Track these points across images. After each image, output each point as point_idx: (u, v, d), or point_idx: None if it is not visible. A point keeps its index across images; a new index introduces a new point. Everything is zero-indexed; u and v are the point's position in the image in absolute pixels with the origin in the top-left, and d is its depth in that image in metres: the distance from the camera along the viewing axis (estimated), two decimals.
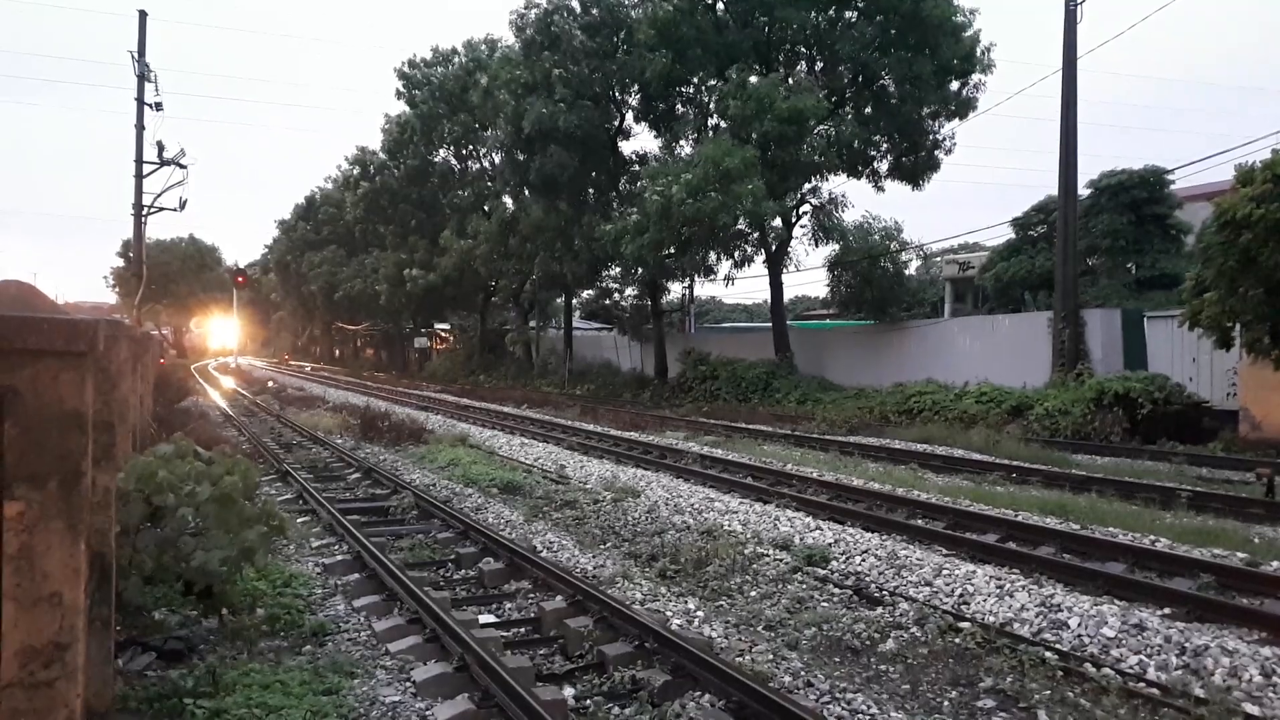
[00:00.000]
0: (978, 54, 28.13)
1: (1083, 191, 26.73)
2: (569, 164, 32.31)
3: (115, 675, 5.04)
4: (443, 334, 65.87)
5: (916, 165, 30.13)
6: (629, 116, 34.74)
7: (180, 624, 6.39)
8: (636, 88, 32.34)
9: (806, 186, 30.40)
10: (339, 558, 9.03)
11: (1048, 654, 6.21)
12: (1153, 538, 9.36)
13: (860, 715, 5.40)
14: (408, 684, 5.70)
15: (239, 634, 6.44)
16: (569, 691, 5.70)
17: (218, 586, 6.11)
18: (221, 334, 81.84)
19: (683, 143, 32.29)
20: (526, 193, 37.82)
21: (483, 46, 47.00)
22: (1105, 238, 28.66)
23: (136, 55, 26.30)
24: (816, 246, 31.95)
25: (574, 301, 45.87)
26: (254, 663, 5.79)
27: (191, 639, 6.22)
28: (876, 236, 31.70)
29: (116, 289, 78.81)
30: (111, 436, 4.35)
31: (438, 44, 55.97)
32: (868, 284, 31.24)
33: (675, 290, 42.16)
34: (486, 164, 50.10)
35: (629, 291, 41.94)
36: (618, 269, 36.53)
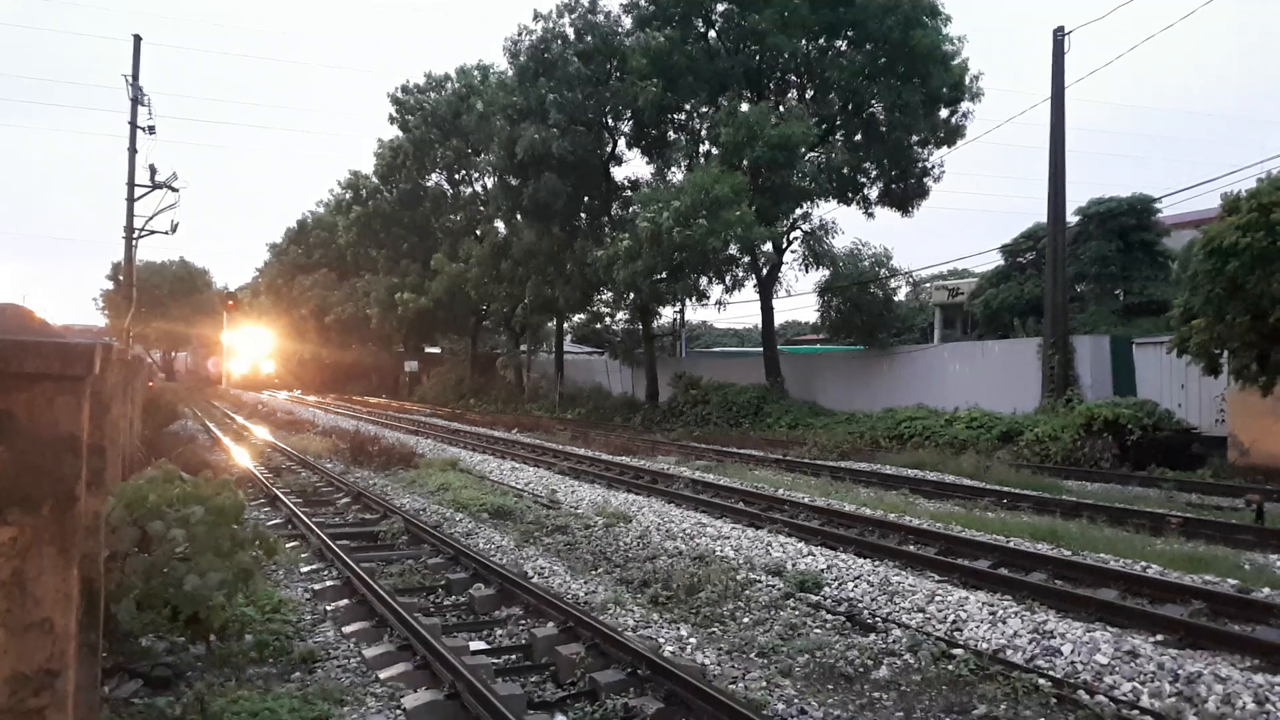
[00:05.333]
0: (966, 82, 28.47)
1: (1071, 219, 27.00)
2: (562, 190, 32.46)
3: (102, 703, 4.98)
4: (433, 355, 65.77)
5: (906, 192, 30.40)
6: (621, 142, 35.00)
7: (167, 650, 6.32)
8: (629, 114, 32.59)
9: (797, 212, 30.61)
10: (328, 583, 8.96)
11: (1041, 681, 6.19)
12: (1144, 564, 9.36)
13: None
14: (398, 712, 5.65)
15: (227, 660, 6.37)
16: (561, 719, 5.66)
17: (204, 612, 6.05)
18: (213, 358, 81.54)
19: (674, 169, 32.52)
20: (519, 217, 37.97)
21: (475, 72, 47.34)
22: (1094, 264, 28.90)
23: (130, 79, 26.36)
24: (807, 272, 32.17)
25: (565, 325, 45.90)
26: (242, 690, 5.73)
27: (179, 665, 6.16)
28: (866, 262, 31.91)
29: (106, 311, 78.65)
30: (102, 460, 4.32)
31: (431, 70, 56.30)
32: (858, 309, 31.39)
33: (666, 315, 42.29)
34: (479, 188, 50.35)
35: (620, 316, 42.04)
36: (609, 293, 36.63)
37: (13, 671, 2.61)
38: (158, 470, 6.69)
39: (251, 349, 76.41)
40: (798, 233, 31.61)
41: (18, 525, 2.64)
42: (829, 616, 7.96)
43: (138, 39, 26.85)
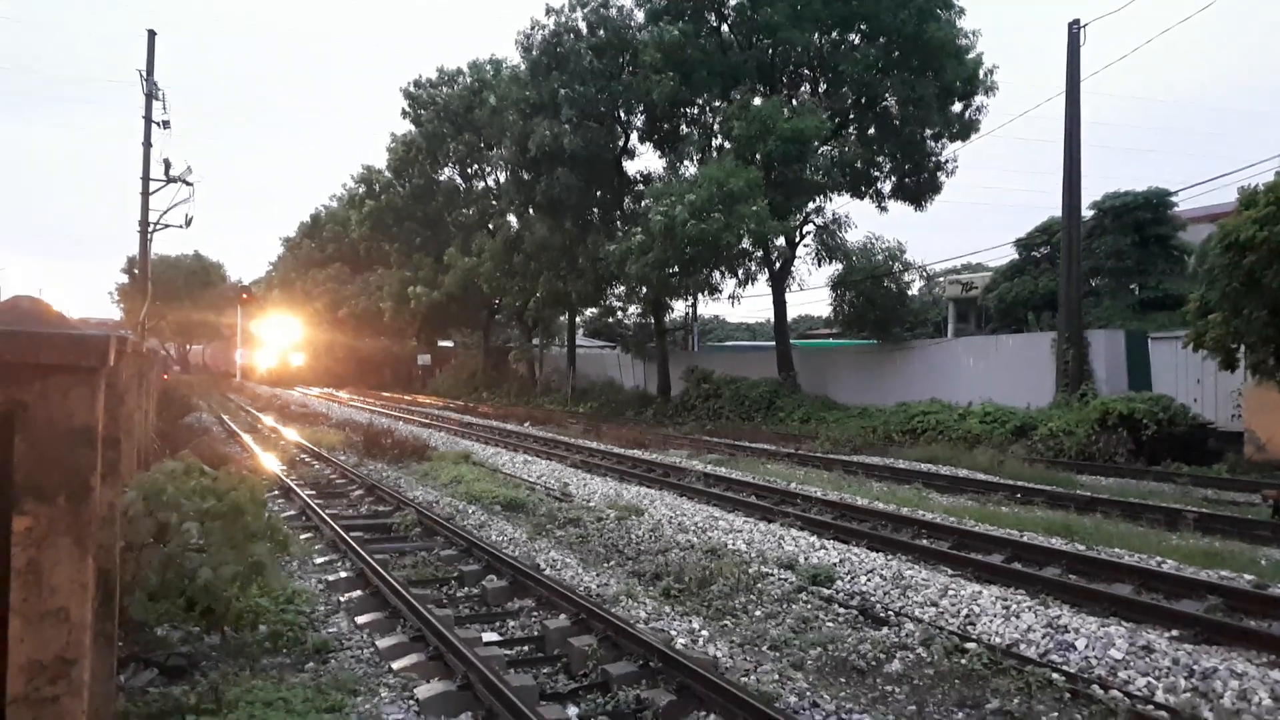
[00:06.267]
0: (980, 76, 28.27)
1: (1086, 213, 26.79)
2: (574, 184, 32.43)
3: (117, 692, 5.02)
4: (446, 349, 65.92)
5: (919, 186, 30.24)
6: (634, 137, 34.92)
7: (182, 640, 6.37)
8: (642, 108, 32.51)
9: (810, 206, 30.50)
10: (342, 574, 9.01)
11: (1055, 675, 6.17)
12: (1159, 559, 9.31)
13: None
14: (411, 702, 5.67)
15: (241, 651, 6.42)
16: (573, 711, 5.67)
17: (219, 604, 6.09)
18: (228, 350, 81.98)
19: (687, 163, 32.44)
20: (531, 212, 37.99)
21: (488, 67, 47.31)
22: (1109, 259, 28.68)
23: (145, 74, 26.47)
24: (820, 266, 32.07)
25: (577, 319, 45.91)
26: (256, 680, 5.77)
27: (194, 655, 6.20)
28: (880, 256, 31.78)
29: (121, 305, 79.14)
30: (117, 452, 4.35)
31: (443, 64, 56.26)
32: (871, 304, 31.28)
33: (679, 309, 42.24)
34: (491, 183, 50.36)
35: (632, 310, 42.04)
36: (622, 288, 36.62)
37: (29, 660, 2.63)
38: (178, 462, 6.73)
39: (266, 342, 76.69)
40: (810, 227, 31.51)
41: (33, 515, 2.65)
42: (841, 610, 7.95)
43: (152, 34, 26.97)
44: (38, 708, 2.64)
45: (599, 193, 35.10)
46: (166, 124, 27.20)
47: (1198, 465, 17.52)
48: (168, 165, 26.69)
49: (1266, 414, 17.65)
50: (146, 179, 26.85)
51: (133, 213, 27.55)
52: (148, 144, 26.71)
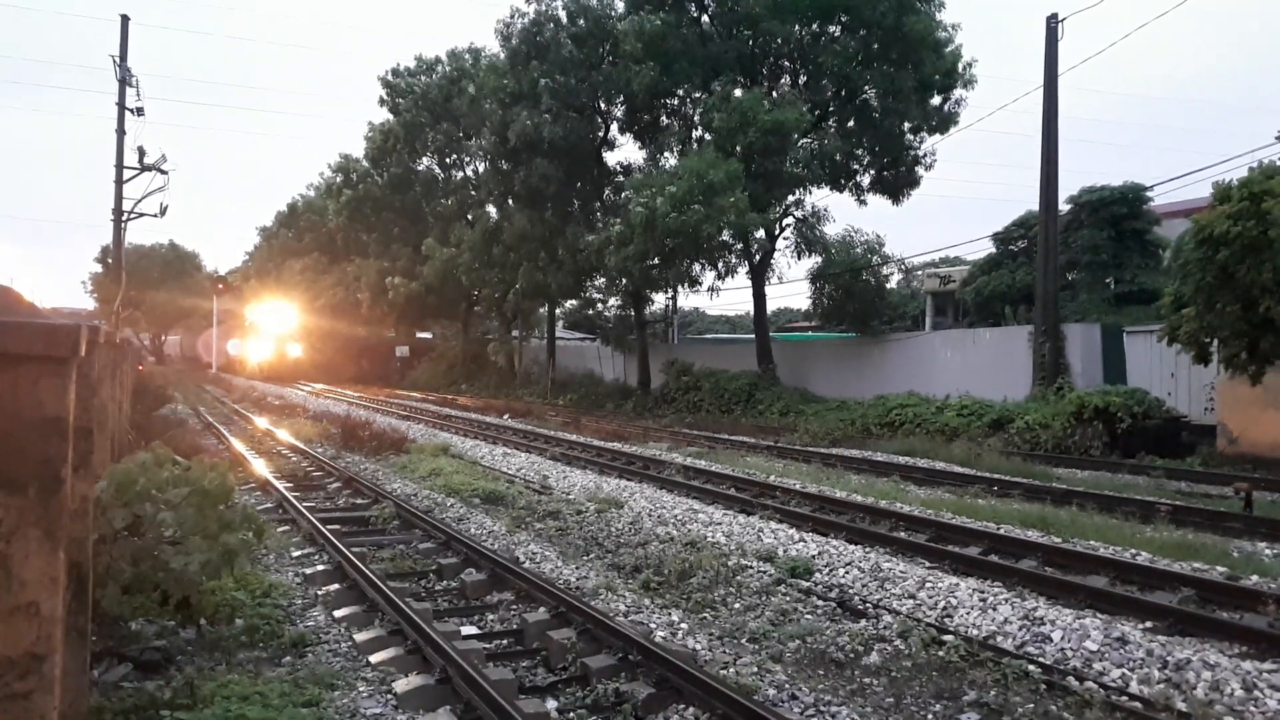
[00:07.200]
0: (959, 69, 28.38)
1: (1063, 207, 26.99)
2: (554, 175, 32.30)
3: (91, 686, 4.95)
4: (425, 341, 65.58)
5: (898, 179, 30.33)
6: (614, 127, 34.81)
7: (158, 634, 6.30)
8: (622, 99, 32.38)
9: (790, 199, 30.51)
10: (319, 568, 8.94)
11: (1031, 667, 6.21)
12: (1134, 551, 9.40)
13: None
14: (389, 696, 5.64)
15: (217, 645, 6.35)
16: (552, 704, 5.65)
17: (195, 595, 6.02)
18: (203, 341, 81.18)
19: (667, 154, 32.38)
20: (510, 202, 37.81)
21: (466, 55, 47.03)
22: (1085, 253, 28.94)
23: (118, 60, 26.10)
24: (799, 259, 32.12)
25: (557, 311, 45.79)
26: (233, 674, 5.71)
27: (169, 650, 6.13)
28: (858, 250, 31.87)
29: (95, 295, 78.18)
30: (90, 443, 4.28)
31: (421, 52, 55.91)
32: (850, 297, 31.37)
33: (659, 301, 42.21)
34: (470, 173, 50.07)
35: (612, 302, 41.94)
36: (601, 280, 36.55)
37: None
38: (150, 453, 6.65)
39: (243, 333, 75.96)
40: (790, 219, 31.54)
41: (2, 508, 2.60)
42: (820, 602, 7.98)
43: (125, 19, 26.60)
44: (8, 704, 2.60)
45: (579, 184, 34.97)
46: (140, 111, 26.85)
47: (1171, 458, 17.72)
48: (142, 153, 26.34)
49: (1239, 407, 17.86)
50: (120, 167, 26.50)
51: (107, 201, 27.27)
52: (121, 131, 26.35)
